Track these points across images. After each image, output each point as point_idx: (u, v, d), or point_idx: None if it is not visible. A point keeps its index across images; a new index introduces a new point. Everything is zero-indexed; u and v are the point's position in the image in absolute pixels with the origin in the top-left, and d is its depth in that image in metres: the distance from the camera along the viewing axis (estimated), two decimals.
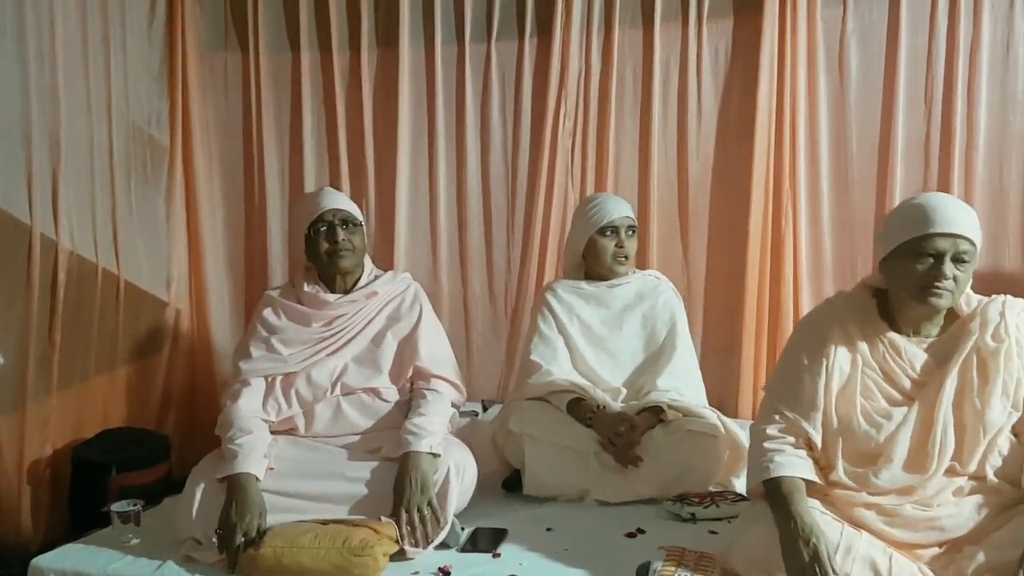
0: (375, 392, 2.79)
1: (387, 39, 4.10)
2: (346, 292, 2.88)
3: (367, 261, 2.96)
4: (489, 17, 4.01)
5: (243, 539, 2.39)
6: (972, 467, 2.09)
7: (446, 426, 2.77)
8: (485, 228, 4.14)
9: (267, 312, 2.88)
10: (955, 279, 2.07)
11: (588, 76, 3.94)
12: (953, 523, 2.03)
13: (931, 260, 2.06)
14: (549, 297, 3.25)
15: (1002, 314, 2.13)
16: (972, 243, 2.08)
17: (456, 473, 2.60)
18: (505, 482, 3.01)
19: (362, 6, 4.07)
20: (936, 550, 2.03)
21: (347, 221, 2.84)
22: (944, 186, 3.55)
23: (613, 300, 3.22)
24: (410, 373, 2.83)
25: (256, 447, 2.58)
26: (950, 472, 2.09)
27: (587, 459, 2.90)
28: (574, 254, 3.28)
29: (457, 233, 4.15)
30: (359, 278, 2.92)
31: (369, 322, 2.87)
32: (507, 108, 4.07)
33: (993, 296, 2.19)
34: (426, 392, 2.80)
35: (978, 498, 2.06)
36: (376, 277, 2.95)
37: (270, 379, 2.78)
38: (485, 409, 3.88)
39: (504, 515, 2.75)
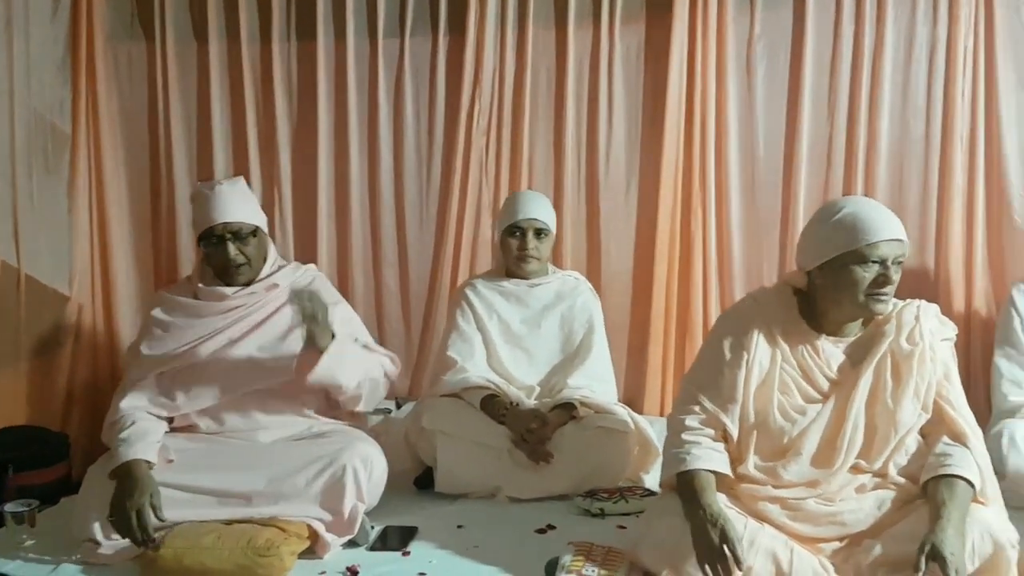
0: (282, 388, 2.70)
1: (299, 31, 4.04)
2: (246, 284, 2.76)
3: (271, 251, 2.84)
4: (402, 12, 3.99)
5: (138, 518, 2.32)
6: (878, 465, 2.16)
7: (364, 364, 2.72)
8: (398, 224, 4.11)
9: (157, 311, 2.75)
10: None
11: (502, 74, 3.94)
12: (854, 518, 2.09)
13: (877, 266, 2.12)
14: (469, 293, 3.25)
15: (917, 318, 2.21)
16: (906, 244, 2.16)
17: (364, 468, 2.54)
18: (417, 479, 3.00)
19: None
20: (837, 544, 2.09)
21: (239, 233, 2.69)
22: (848, 189, 3.66)
23: (533, 299, 3.25)
24: None
25: (141, 435, 2.49)
26: (855, 469, 2.16)
27: (500, 456, 2.92)
28: (496, 251, 3.29)
29: (370, 228, 4.12)
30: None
31: (271, 314, 2.76)
32: (421, 104, 4.05)
33: (908, 300, 2.26)
34: None
35: (879, 494, 2.12)
36: (280, 268, 2.84)
37: (165, 378, 2.67)
38: (399, 406, 3.85)
39: (415, 513, 2.74)
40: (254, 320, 2.74)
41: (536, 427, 2.90)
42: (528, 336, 3.21)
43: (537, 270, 3.24)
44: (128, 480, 2.39)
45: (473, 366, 3.12)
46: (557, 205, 3.85)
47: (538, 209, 3.20)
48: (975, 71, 3.56)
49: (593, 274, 3.86)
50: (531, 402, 3.08)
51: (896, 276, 2.14)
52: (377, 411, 3.62)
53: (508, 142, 3.97)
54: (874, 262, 2.11)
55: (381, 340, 4.04)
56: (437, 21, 3.97)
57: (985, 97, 3.55)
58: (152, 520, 2.34)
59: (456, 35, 3.96)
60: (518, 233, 3.17)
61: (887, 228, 2.12)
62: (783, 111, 3.76)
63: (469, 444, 2.92)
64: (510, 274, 3.28)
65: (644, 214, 3.89)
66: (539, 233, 3.19)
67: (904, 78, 3.64)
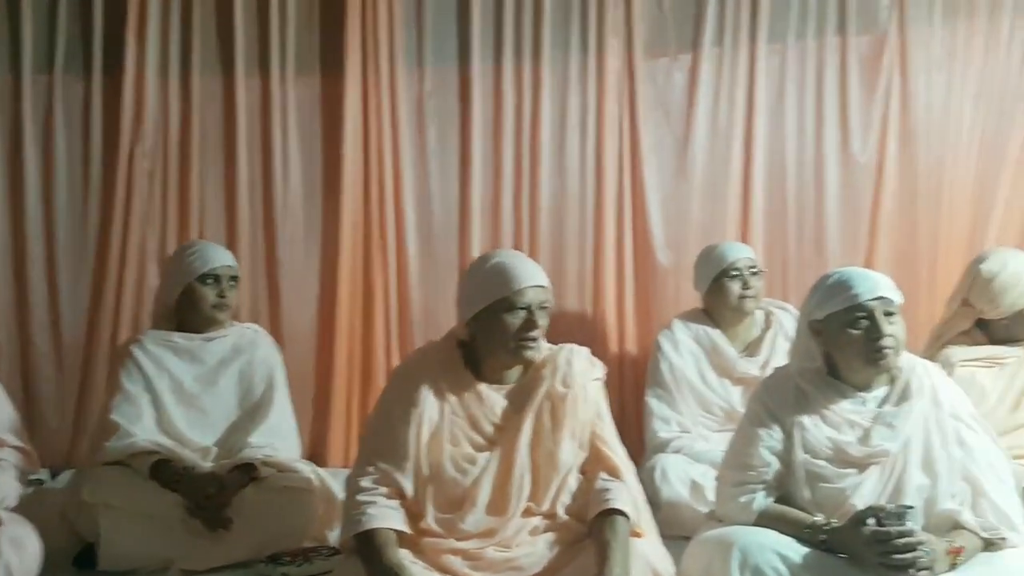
0: None
1: None
2: None
3: None
4: (51, 48, 3.76)
5: None
6: (546, 506, 2.27)
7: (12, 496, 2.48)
8: (49, 275, 3.82)
9: None
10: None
11: (167, 117, 3.82)
12: (529, 561, 2.18)
13: (523, 313, 2.24)
14: (135, 351, 3.04)
15: (569, 361, 2.35)
16: (549, 291, 2.30)
17: (14, 550, 2.30)
18: (77, 558, 2.78)
19: None
20: None
21: None
22: (517, 241, 3.89)
23: (208, 354, 3.10)
24: None
25: None
26: (527, 512, 2.26)
27: (172, 526, 2.76)
28: (166, 304, 3.11)
29: (13, 280, 3.80)
30: None
31: None
32: (74, 145, 3.82)
33: (561, 345, 2.41)
34: None
35: (550, 535, 2.24)
36: None
37: None
38: (53, 476, 3.53)
39: None
40: None
41: (214, 492, 2.77)
42: (203, 394, 3.06)
43: (227, 318, 3.13)
44: None
45: (141, 429, 2.92)
46: (232, 255, 3.74)
47: (228, 255, 3.13)
48: (621, 134, 3.94)
49: (274, 325, 3.80)
50: (208, 465, 2.94)
51: (543, 321, 2.28)
52: (28, 481, 3.29)
53: (176, 188, 3.84)
54: (521, 308, 2.24)
55: (29, 406, 3.73)
56: (91, 60, 3.78)
57: (631, 159, 3.94)
58: None
59: (114, 75, 3.80)
60: (211, 281, 3.04)
61: (531, 276, 2.27)
62: (455, 166, 3.93)
63: (137, 516, 2.75)
64: (183, 327, 3.12)
65: (326, 264, 3.89)
66: (232, 280, 3.09)
67: (560, 140, 3.94)
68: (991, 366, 3.07)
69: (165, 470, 2.82)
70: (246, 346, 3.16)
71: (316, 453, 3.72)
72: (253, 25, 3.85)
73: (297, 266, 3.90)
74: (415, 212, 3.92)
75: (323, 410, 3.85)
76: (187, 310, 3.08)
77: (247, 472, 2.89)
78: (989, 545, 2.21)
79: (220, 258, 3.08)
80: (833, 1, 3.93)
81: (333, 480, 3.01)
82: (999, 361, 3.07)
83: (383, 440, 2.29)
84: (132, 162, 3.78)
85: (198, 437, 3.02)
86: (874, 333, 2.24)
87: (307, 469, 2.98)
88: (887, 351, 2.25)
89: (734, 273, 3.38)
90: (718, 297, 3.42)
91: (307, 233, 3.91)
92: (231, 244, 3.80)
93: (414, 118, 3.91)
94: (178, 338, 3.09)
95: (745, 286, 3.38)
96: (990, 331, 3.12)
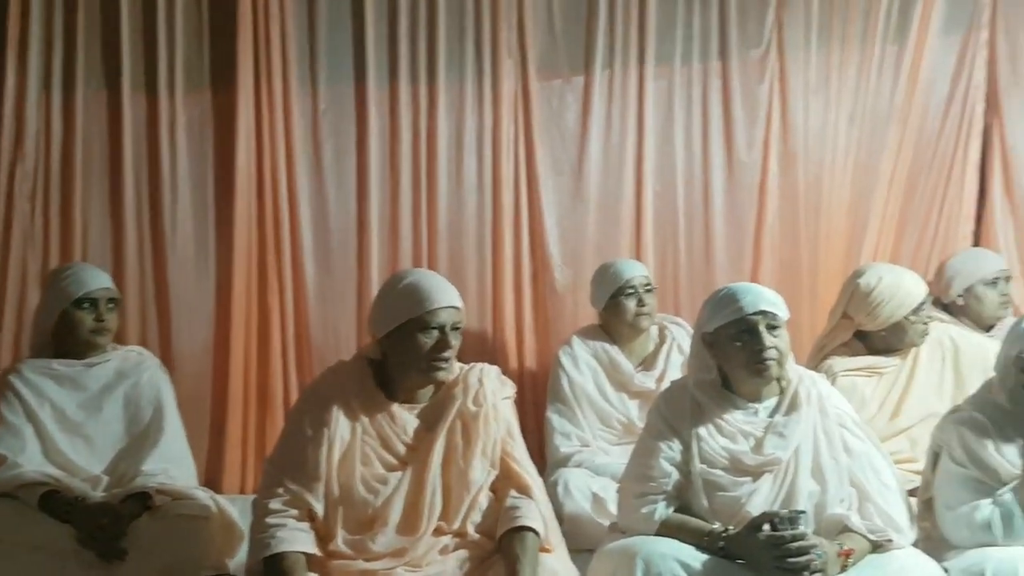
0: None
1: None
2: None
3: None
4: None
5: None
6: (456, 524, 2.29)
7: None
8: None
9: None
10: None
11: (49, 136, 3.71)
12: None
13: (436, 333, 2.26)
14: (14, 380, 2.92)
15: (480, 380, 2.39)
16: (462, 312, 2.33)
17: None
18: None
19: None
20: None
21: None
22: (416, 259, 3.90)
23: (90, 380, 2.99)
24: None
25: None
26: (437, 531, 2.27)
27: (63, 558, 2.65)
28: (43, 330, 3.00)
29: None
30: None
31: None
32: None
33: (472, 364, 2.44)
34: None
35: (461, 553, 2.26)
36: None
37: None
38: None
39: None
40: None
41: (107, 522, 2.67)
42: (87, 421, 2.95)
43: (107, 343, 3.03)
44: None
45: (26, 460, 2.81)
46: (119, 277, 3.65)
47: (106, 278, 3.02)
48: (517, 154, 4.01)
49: (164, 349, 3.72)
50: (99, 494, 2.84)
51: (455, 342, 2.31)
52: None
53: (58, 208, 3.73)
54: (434, 328, 2.27)
55: None
56: None
57: (527, 178, 4.01)
58: None
59: None
60: (88, 305, 2.94)
61: (445, 296, 2.30)
62: (353, 184, 3.92)
63: (27, 549, 2.64)
64: (62, 354, 3.01)
65: (219, 285, 3.83)
66: (111, 302, 3.00)
67: (457, 159, 3.97)
68: (871, 375, 3.24)
69: (55, 501, 2.72)
70: (130, 370, 3.05)
71: (211, 479, 3.64)
72: (139, 39, 3.77)
73: (188, 288, 3.82)
74: (311, 231, 3.89)
75: (218, 435, 3.78)
76: (65, 336, 2.97)
77: (141, 501, 2.80)
78: (877, 547, 2.32)
79: (96, 280, 2.98)
80: (715, 25, 4.07)
81: (231, 507, 2.95)
82: (878, 371, 3.24)
83: (293, 461, 2.27)
84: (12, 182, 3.67)
85: (86, 465, 2.91)
86: (756, 345, 2.33)
87: (204, 496, 2.89)
88: (769, 362, 2.35)
89: (630, 291, 3.47)
90: (615, 314, 3.51)
91: (198, 253, 3.83)
92: (118, 266, 3.72)
93: (309, 136, 3.89)
94: (58, 365, 2.98)
95: (640, 303, 3.48)
96: (869, 342, 3.28)
